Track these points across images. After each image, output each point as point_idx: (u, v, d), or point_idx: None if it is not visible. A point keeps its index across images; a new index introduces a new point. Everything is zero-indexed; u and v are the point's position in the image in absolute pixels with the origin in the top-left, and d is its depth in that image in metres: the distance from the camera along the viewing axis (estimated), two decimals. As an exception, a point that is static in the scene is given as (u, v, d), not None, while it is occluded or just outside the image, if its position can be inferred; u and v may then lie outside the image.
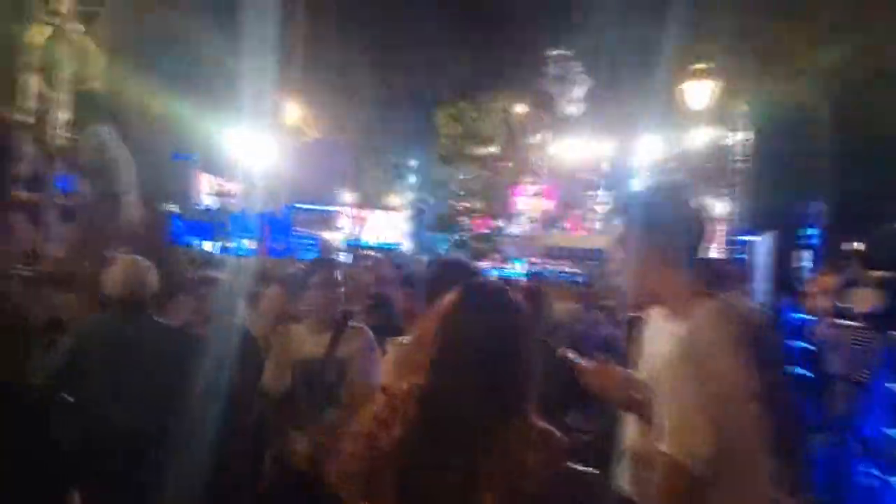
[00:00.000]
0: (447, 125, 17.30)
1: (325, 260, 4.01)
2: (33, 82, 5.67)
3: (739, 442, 1.30)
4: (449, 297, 1.53)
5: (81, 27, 5.79)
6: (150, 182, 7.08)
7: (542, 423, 1.44)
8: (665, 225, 1.56)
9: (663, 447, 1.37)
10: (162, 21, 7.50)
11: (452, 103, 17.38)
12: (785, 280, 9.92)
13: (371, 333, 2.95)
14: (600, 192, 29.94)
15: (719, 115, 16.13)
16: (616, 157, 27.50)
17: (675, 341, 1.45)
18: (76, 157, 5.50)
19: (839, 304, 5.38)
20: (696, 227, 1.62)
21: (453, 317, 1.49)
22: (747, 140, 17.12)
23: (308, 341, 2.83)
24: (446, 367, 1.44)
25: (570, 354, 2.20)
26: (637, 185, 27.97)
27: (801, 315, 7.68)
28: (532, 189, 20.40)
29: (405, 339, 2.10)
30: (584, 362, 2.14)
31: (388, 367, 1.99)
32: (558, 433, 1.44)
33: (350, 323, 2.97)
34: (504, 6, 22.03)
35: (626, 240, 1.63)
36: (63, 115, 5.73)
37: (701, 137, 16.41)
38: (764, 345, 1.45)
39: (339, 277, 2.96)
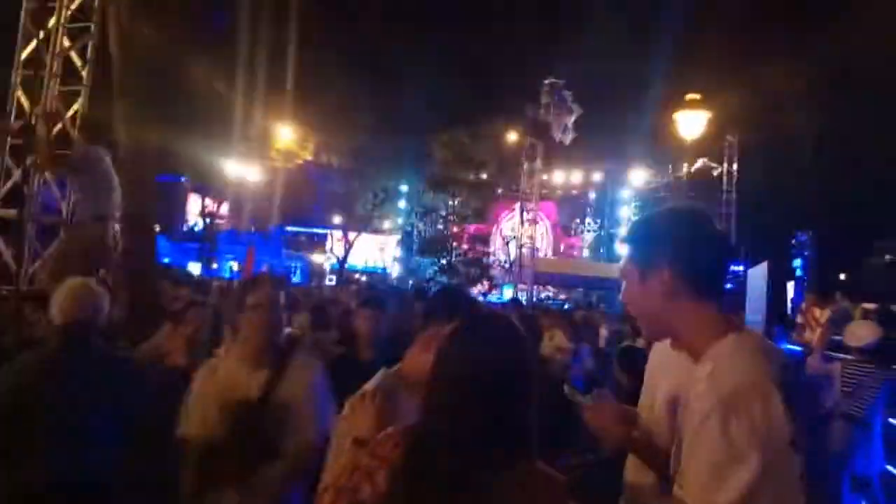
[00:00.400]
0: (440, 151, 17.32)
1: (262, 276, 3.12)
2: (18, 97, 5.56)
3: (773, 493, 1.14)
4: (447, 331, 1.39)
5: (67, 43, 5.69)
6: (138, 203, 6.91)
7: (544, 466, 1.31)
8: (686, 246, 1.35)
9: (680, 492, 1.22)
10: (153, 40, 7.41)
11: (445, 129, 17.43)
12: (778, 311, 9.86)
13: (321, 368, 2.39)
14: (589, 220, 30.19)
15: (708, 146, 16.32)
16: (605, 185, 27.76)
17: (696, 378, 1.29)
18: (65, 173, 5.34)
19: (832, 337, 5.32)
20: (722, 249, 1.41)
21: (451, 352, 1.34)
22: (734, 170, 17.33)
23: (242, 378, 2.24)
24: (442, 407, 1.29)
25: (569, 389, 2.10)
26: (626, 212, 28.33)
27: (792, 347, 7.64)
28: (522, 215, 20.41)
29: (388, 372, 1.91)
30: (584, 398, 2.05)
31: (365, 413, 1.72)
32: (560, 476, 1.31)
33: (297, 355, 2.37)
34: (498, 36, 22.35)
35: (638, 265, 1.40)
36: (47, 131, 5.59)
37: (689, 167, 16.60)
38: (795, 385, 1.30)
39: (282, 297, 2.37)
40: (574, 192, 29.48)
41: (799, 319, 9.35)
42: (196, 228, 28.60)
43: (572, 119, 17.16)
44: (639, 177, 22.91)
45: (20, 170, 5.46)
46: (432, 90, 19.73)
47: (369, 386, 1.76)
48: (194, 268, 23.33)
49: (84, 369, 2.31)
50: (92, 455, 2.12)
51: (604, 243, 27.82)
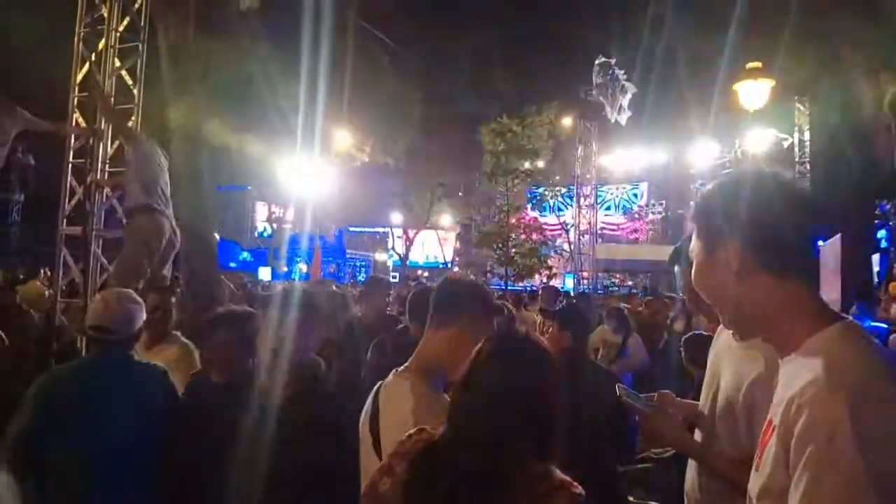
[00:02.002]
0: (490, 142, 17.19)
1: None
2: (76, 119, 5.85)
3: None
4: (478, 348, 1.46)
5: (118, 63, 5.94)
6: (196, 211, 7.18)
7: (561, 475, 1.33)
8: (755, 211, 1.12)
9: None
10: (207, 51, 7.65)
11: (495, 119, 17.27)
12: (858, 286, 9.18)
13: None
14: (653, 202, 29.22)
15: (777, 116, 15.42)
16: (668, 165, 26.79)
17: (795, 377, 1.04)
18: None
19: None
20: (802, 213, 1.15)
21: (485, 373, 1.40)
22: (807, 140, 16.32)
23: None
24: (465, 417, 1.38)
25: (624, 393, 1.99)
26: (692, 191, 27.24)
27: (876, 324, 7.11)
28: (581, 201, 19.95)
29: (399, 383, 1.83)
30: (643, 404, 1.90)
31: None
32: (577, 486, 1.30)
33: None
34: (546, 19, 21.90)
35: (703, 240, 1.20)
36: (105, 149, 5.87)
37: (758, 140, 15.73)
38: None
39: None
40: (635, 173, 28.65)
41: (882, 295, 8.74)
42: (265, 234, 29.69)
43: (627, 98, 16.57)
44: (703, 154, 21.96)
45: (82, 188, 5.77)
46: (481, 81, 19.56)
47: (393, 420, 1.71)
48: (265, 272, 24.18)
49: (113, 377, 2.34)
50: (114, 471, 2.11)
51: (670, 225, 26.89)
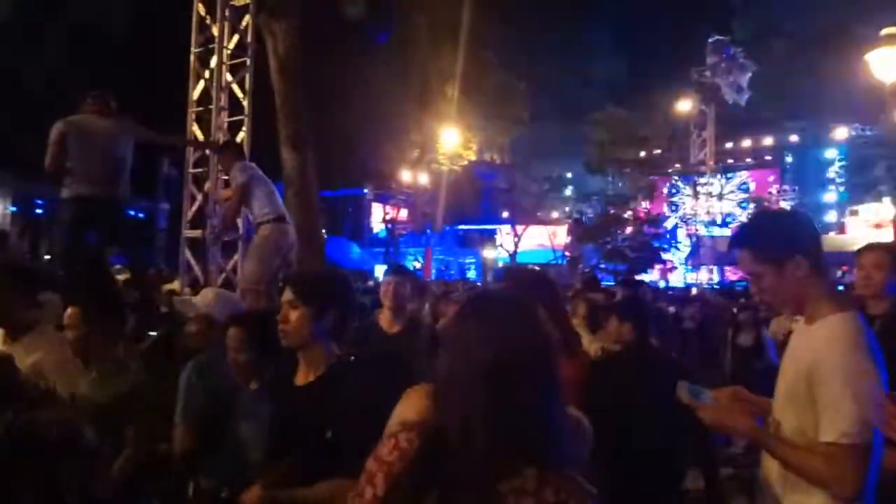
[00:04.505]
0: (596, 132, 16.57)
1: None
2: (193, 131, 6.39)
3: None
4: (450, 317, 1.31)
5: (229, 77, 6.42)
6: (304, 216, 7.52)
7: (563, 474, 1.13)
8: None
9: None
10: (315, 62, 8.06)
11: (597, 110, 16.61)
12: None
13: None
14: (786, 187, 26.97)
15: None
16: (802, 146, 24.62)
17: None
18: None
19: None
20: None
21: (455, 339, 1.21)
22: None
23: None
24: (449, 401, 1.17)
25: (685, 392, 1.93)
26: (832, 174, 24.89)
27: None
28: (696, 189, 18.81)
29: None
30: (706, 396, 1.84)
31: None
32: (585, 486, 1.12)
33: None
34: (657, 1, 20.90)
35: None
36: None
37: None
38: None
39: None
40: (768, 157, 26.65)
41: None
42: (380, 234, 30.87)
43: (746, 77, 15.39)
44: (843, 132, 19.94)
45: (202, 195, 6.32)
46: (587, 71, 19.02)
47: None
48: (380, 270, 25.16)
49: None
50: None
51: (806, 211, 24.74)
